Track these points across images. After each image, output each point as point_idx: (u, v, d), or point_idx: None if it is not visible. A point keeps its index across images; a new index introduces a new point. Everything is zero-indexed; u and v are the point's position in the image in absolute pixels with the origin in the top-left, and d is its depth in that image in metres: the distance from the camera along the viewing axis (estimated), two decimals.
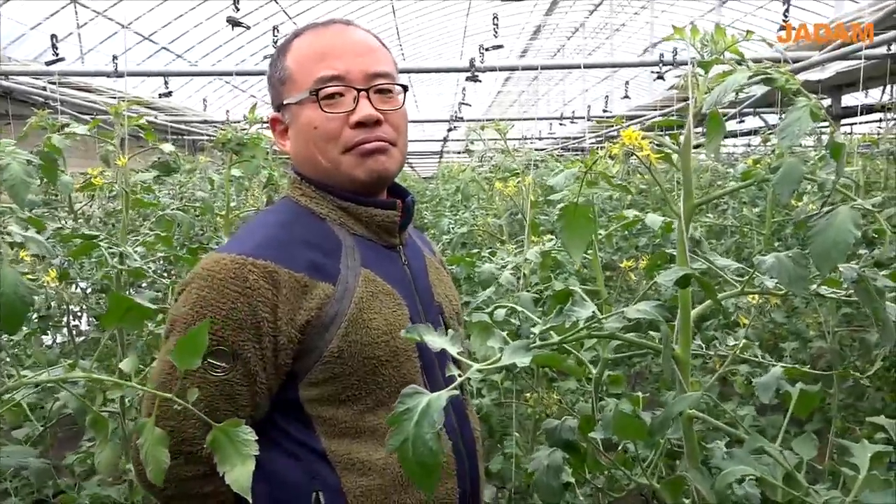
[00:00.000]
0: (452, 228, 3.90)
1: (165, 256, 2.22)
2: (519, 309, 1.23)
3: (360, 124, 1.14)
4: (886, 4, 4.06)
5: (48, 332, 3.17)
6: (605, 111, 8.67)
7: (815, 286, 0.99)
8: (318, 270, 1.11)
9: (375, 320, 1.12)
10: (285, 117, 1.21)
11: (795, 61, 4.93)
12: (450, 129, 10.25)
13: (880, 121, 7.32)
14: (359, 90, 1.15)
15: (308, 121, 1.16)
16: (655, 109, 9.74)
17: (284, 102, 1.20)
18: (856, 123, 8.84)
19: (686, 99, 0.93)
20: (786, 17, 4.20)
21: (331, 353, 1.08)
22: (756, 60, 0.90)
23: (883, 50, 4.58)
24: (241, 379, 1.06)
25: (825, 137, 4.08)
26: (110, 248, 1.75)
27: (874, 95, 7.63)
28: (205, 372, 1.04)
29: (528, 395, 2.15)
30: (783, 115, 0.87)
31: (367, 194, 1.20)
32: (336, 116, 1.15)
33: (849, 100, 8.34)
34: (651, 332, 1.29)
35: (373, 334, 1.11)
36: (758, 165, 2.65)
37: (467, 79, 5.18)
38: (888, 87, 6.39)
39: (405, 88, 1.22)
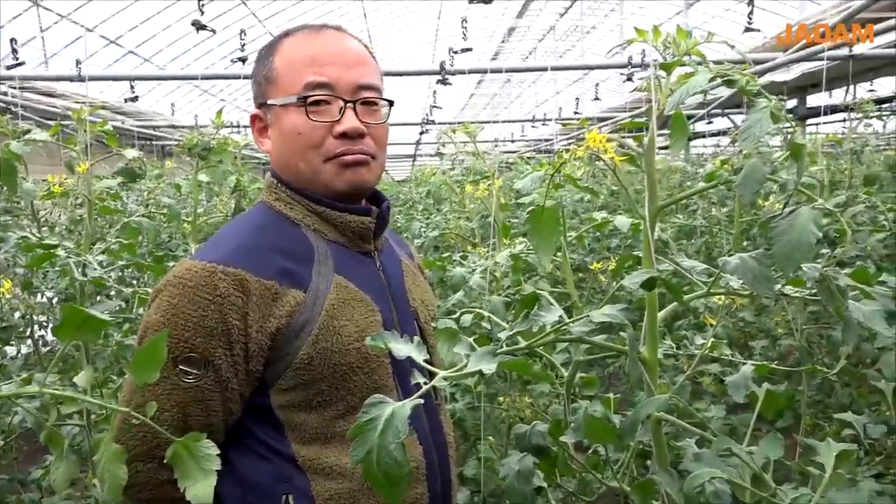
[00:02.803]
0: (424, 232, 3.89)
1: (131, 264, 2.17)
2: (486, 314, 1.22)
3: (343, 135, 1.15)
4: (849, 6, 4.14)
5: (11, 343, 3.10)
6: (576, 113, 8.72)
7: (779, 286, 0.99)
8: (289, 277, 1.11)
9: (347, 327, 1.12)
10: (267, 116, 1.21)
11: (761, 62, 5.01)
12: (422, 132, 10.25)
13: (844, 120, 7.46)
14: (346, 101, 1.15)
15: (292, 126, 1.16)
16: (626, 111, 9.83)
17: (268, 102, 1.19)
18: (821, 123, 9.01)
19: None
20: (750, 19, 4.27)
21: (301, 360, 1.09)
22: (717, 62, 0.90)
23: (845, 51, 4.67)
24: (213, 385, 1.07)
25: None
26: (70, 257, 1.70)
27: (838, 96, 7.78)
28: (177, 378, 1.05)
29: (501, 398, 2.14)
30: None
31: (344, 202, 1.19)
32: (320, 125, 1.14)
33: (813, 100, 8.50)
34: (622, 334, 1.28)
35: (344, 341, 1.11)
36: (725, 166, 2.68)
37: (438, 82, 5.19)
38: (850, 87, 6.52)
39: (391, 103, 1.23)
